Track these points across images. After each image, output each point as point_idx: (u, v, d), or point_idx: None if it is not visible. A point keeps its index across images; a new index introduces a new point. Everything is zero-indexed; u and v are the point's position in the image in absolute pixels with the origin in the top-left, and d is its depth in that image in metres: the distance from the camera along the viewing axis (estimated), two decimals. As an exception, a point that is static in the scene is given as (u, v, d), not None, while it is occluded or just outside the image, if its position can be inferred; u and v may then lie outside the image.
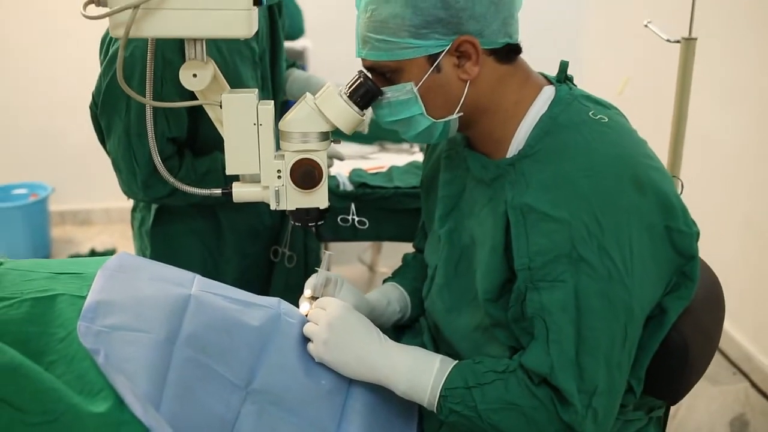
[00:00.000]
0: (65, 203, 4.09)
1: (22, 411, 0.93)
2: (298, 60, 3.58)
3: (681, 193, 1.28)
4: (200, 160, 1.56)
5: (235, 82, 1.47)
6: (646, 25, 1.89)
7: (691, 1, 1.80)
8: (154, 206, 1.69)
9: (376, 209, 1.88)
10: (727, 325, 2.29)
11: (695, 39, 1.78)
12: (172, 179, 1.27)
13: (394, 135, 2.28)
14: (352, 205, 1.85)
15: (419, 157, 2.26)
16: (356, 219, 1.85)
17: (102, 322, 1.05)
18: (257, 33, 1.60)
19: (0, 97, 3.91)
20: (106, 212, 4.16)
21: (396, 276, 1.53)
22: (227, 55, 1.50)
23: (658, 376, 1.14)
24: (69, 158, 4.00)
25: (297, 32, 3.07)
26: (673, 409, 1.42)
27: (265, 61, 1.71)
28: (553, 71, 1.23)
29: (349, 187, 1.89)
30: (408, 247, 1.62)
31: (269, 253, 1.83)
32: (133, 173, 1.50)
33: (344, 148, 2.30)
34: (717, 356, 2.31)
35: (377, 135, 2.35)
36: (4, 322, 1.02)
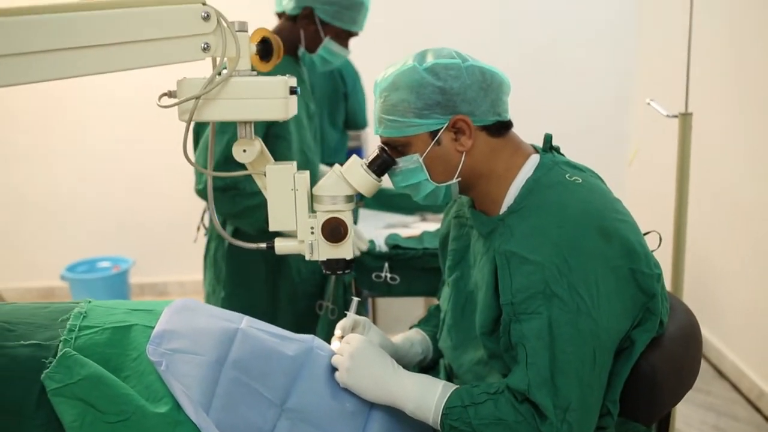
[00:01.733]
0: (144, 276, 4.42)
1: (102, 412, 1.18)
2: (355, 142, 3.90)
3: (659, 245, 1.47)
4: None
5: (301, 133, 2.04)
6: (648, 103, 2.11)
7: (685, 79, 2.03)
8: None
9: (407, 268, 2.12)
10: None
11: (691, 114, 2.00)
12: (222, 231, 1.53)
13: (435, 207, 2.56)
14: (386, 264, 2.09)
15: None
16: (389, 276, 2.09)
17: (166, 346, 1.30)
18: (313, 95, 2.09)
19: (87, 179, 4.32)
20: (181, 285, 4.45)
21: (420, 323, 1.75)
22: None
23: (631, 400, 1.32)
24: (148, 235, 4.36)
25: (360, 123, 3.16)
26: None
27: (316, 122, 2.17)
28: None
29: (384, 249, 2.14)
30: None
31: (315, 307, 2.13)
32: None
33: (391, 217, 2.58)
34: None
35: (419, 206, 2.61)
36: (90, 345, 1.27)
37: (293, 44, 2.22)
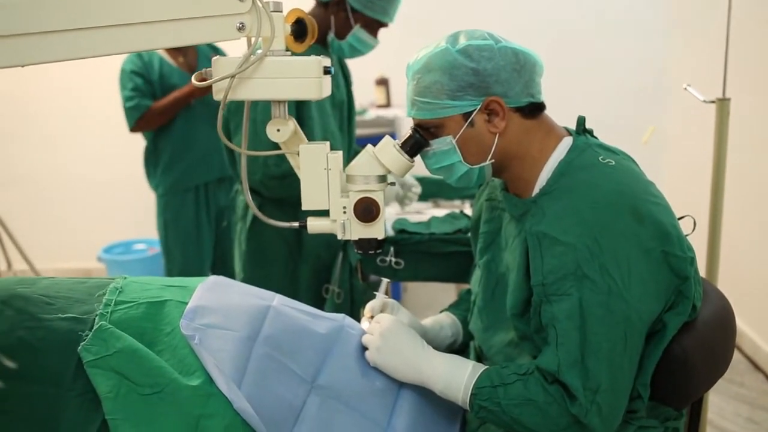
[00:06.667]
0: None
1: (137, 384, 1.21)
2: (389, 127, 3.92)
3: (693, 229, 1.45)
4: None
5: (324, 119, 2.03)
6: (685, 88, 2.09)
7: (723, 64, 2.00)
8: (249, 216, 2.22)
9: (413, 252, 2.12)
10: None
11: (729, 99, 1.97)
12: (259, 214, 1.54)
13: (447, 193, 2.56)
14: (392, 248, 2.10)
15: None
16: (393, 260, 2.09)
17: (199, 321, 1.32)
18: (338, 86, 2.04)
19: (123, 163, 4.38)
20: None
21: (451, 307, 1.76)
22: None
23: (663, 384, 1.31)
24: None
25: None
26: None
27: (344, 111, 2.17)
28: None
29: (390, 233, 2.14)
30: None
31: (322, 291, 2.17)
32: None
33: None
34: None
35: (432, 193, 2.62)
36: (126, 319, 1.30)
37: (323, 31, 2.23)
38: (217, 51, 3.26)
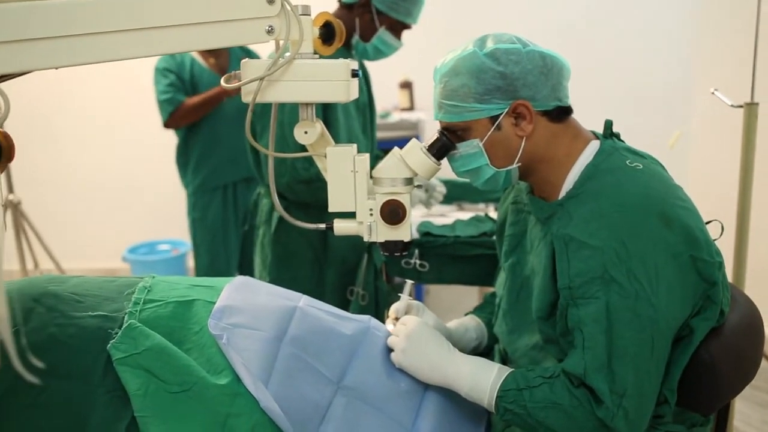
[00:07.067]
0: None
1: (165, 382, 1.22)
2: (412, 130, 3.92)
3: (721, 234, 1.44)
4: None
5: (350, 122, 2.03)
6: (712, 93, 2.07)
7: (752, 68, 1.99)
8: (274, 220, 2.22)
9: (437, 255, 2.12)
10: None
11: (757, 104, 1.96)
12: (284, 213, 1.55)
13: (472, 196, 2.56)
14: (416, 251, 2.10)
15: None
16: (418, 262, 2.10)
17: (227, 321, 1.34)
18: (360, 89, 2.00)
19: (149, 164, 4.43)
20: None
21: (476, 310, 1.76)
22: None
23: (690, 389, 1.31)
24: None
25: None
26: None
27: (367, 114, 2.21)
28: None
29: (416, 236, 2.15)
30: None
31: (347, 293, 2.17)
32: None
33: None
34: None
35: (456, 196, 2.63)
36: (154, 318, 1.31)
37: (347, 33, 2.24)
38: (249, 53, 3.28)
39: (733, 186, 2.13)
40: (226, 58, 3.28)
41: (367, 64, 2.45)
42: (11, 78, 1.13)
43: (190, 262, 4.31)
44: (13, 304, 1.26)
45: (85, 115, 4.57)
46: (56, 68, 1.13)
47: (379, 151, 2.59)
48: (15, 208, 3.60)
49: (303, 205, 2.19)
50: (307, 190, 2.16)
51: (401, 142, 1.44)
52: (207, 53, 3.23)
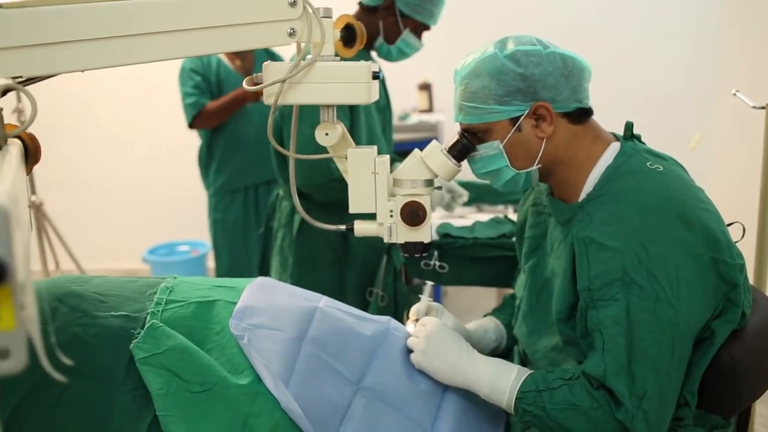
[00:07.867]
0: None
1: (187, 381, 1.23)
2: (431, 132, 3.92)
3: (743, 236, 1.43)
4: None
5: (371, 124, 2.06)
6: (734, 94, 2.06)
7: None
8: (296, 223, 2.24)
9: (457, 256, 2.13)
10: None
11: (780, 106, 1.94)
12: (304, 214, 1.55)
13: (491, 198, 2.56)
14: (436, 252, 2.10)
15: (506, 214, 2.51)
16: (437, 264, 2.10)
17: (248, 321, 1.35)
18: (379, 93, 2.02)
19: (168, 166, 4.46)
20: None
21: (495, 311, 1.76)
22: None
23: (710, 392, 1.30)
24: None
25: None
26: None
27: (387, 115, 2.23)
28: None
29: (435, 237, 2.15)
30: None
31: (366, 294, 2.18)
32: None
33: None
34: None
35: (476, 198, 2.63)
36: (176, 318, 1.33)
37: (370, 36, 2.25)
38: (273, 56, 3.29)
39: (755, 188, 2.11)
40: (252, 61, 3.30)
41: (386, 65, 2.46)
42: (38, 81, 1.15)
43: (210, 263, 4.34)
44: (39, 304, 1.27)
45: (105, 118, 4.61)
46: (82, 71, 1.14)
47: (394, 155, 2.60)
48: (37, 209, 3.64)
49: (324, 207, 2.19)
50: (341, 189, 2.15)
51: (420, 144, 1.44)
52: (233, 55, 3.25)
